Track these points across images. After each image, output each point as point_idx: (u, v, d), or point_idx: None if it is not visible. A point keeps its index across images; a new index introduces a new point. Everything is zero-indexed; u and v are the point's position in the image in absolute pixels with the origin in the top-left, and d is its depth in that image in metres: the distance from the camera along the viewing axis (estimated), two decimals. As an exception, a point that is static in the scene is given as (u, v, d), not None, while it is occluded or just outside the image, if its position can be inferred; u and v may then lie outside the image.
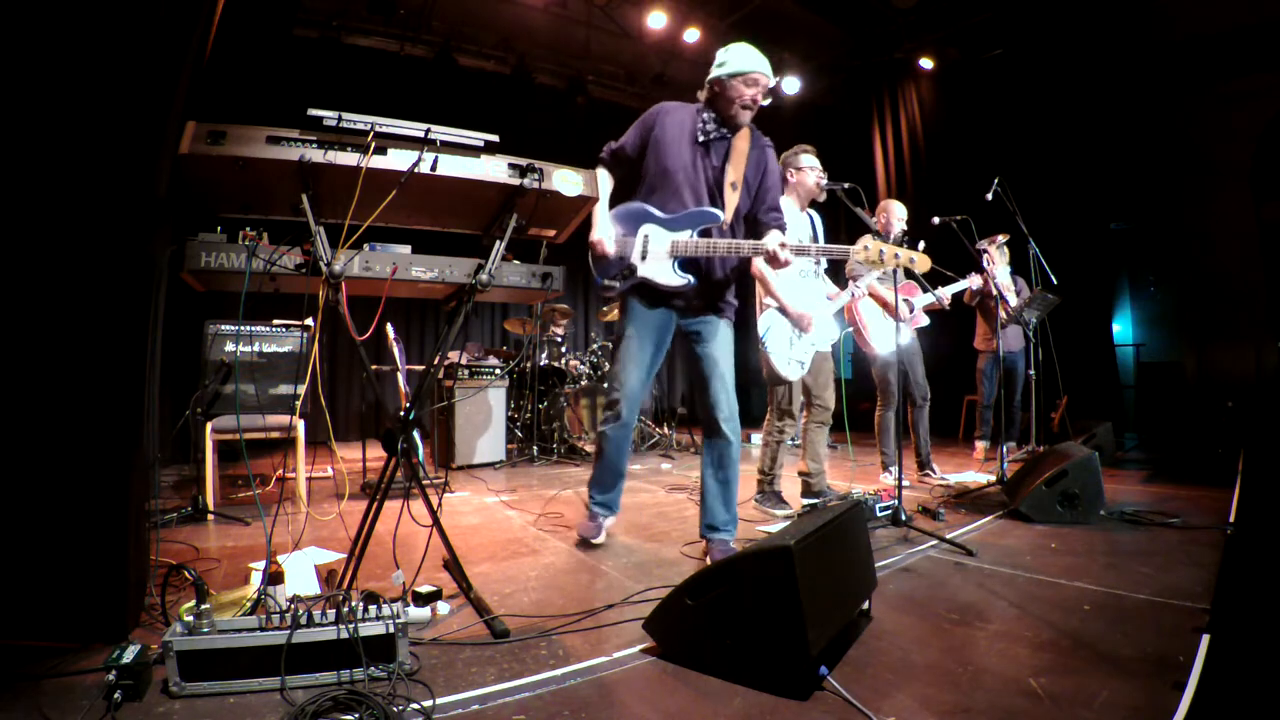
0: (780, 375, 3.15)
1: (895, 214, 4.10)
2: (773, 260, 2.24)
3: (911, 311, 4.08)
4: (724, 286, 2.48)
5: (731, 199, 2.36)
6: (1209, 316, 6.47)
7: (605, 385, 2.63)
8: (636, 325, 2.47)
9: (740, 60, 2.32)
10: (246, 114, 1.77)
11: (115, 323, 1.67)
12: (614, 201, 2.53)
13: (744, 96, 2.31)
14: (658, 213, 2.38)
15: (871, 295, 3.81)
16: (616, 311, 5.95)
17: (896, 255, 2.28)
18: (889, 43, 7.37)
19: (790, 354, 3.15)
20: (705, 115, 2.39)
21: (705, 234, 2.36)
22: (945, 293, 4.25)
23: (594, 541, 2.64)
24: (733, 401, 2.45)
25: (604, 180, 2.53)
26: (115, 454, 1.67)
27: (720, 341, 2.47)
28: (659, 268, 2.36)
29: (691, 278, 2.36)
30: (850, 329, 4.05)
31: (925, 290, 4.12)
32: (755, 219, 2.44)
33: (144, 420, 1.75)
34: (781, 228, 2.39)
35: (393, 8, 6.23)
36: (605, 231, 2.41)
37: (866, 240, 2.31)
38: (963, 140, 6.89)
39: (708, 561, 2.37)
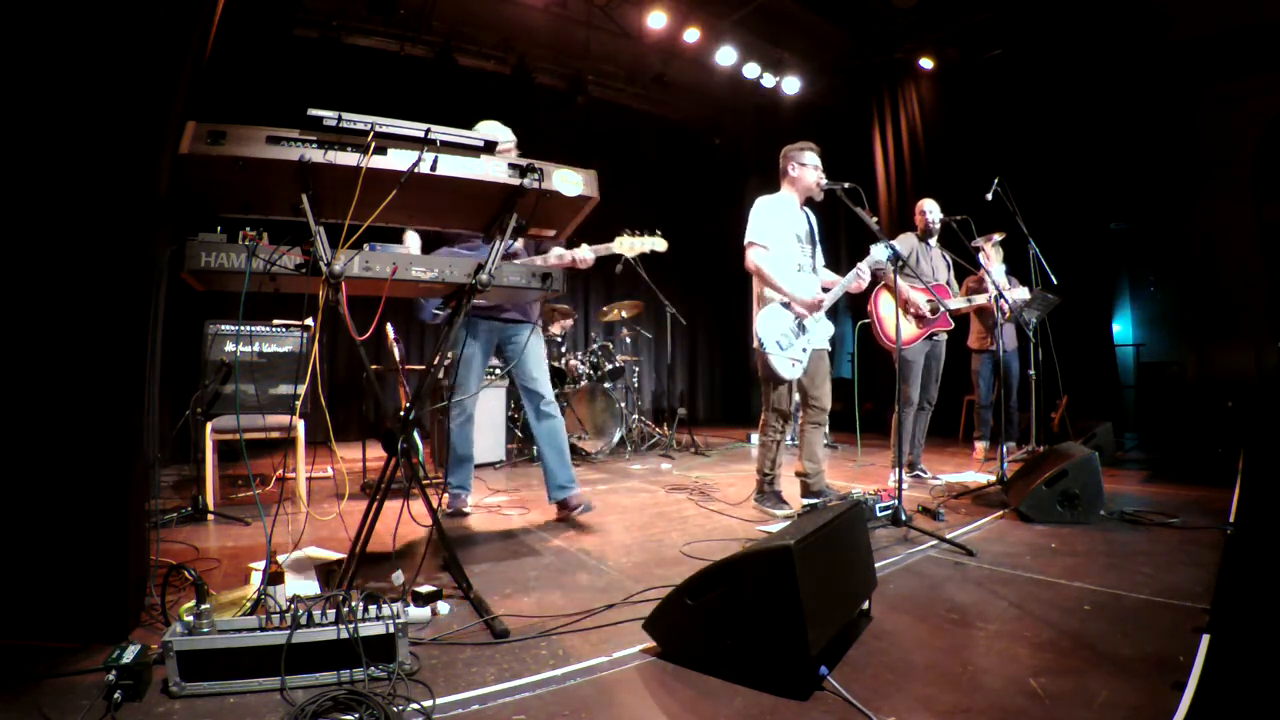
0: (778, 374, 3.14)
1: (927, 207, 4.28)
2: (576, 265, 3.00)
3: (935, 313, 4.08)
4: (528, 300, 3.06)
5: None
6: (1209, 316, 6.46)
7: (452, 390, 3.18)
8: (465, 340, 3.06)
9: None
10: (246, 114, 1.77)
11: (115, 323, 1.67)
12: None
13: None
14: (461, 250, 3.04)
15: (899, 297, 3.78)
16: (617, 312, 5.99)
17: (636, 244, 3.16)
18: (889, 43, 7.37)
19: (787, 352, 3.14)
20: None
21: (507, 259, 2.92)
22: (972, 301, 4.33)
23: (466, 511, 3.28)
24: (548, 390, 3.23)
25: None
26: (115, 454, 1.67)
27: (528, 341, 3.18)
28: None
29: None
30: (867, 321, 4.06)
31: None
32: (540, 245, 3.11)
33: (144, 420, 1.75)
34: (561, 245, 3.07)
35: (393, 8, 6.22)
36: None
37: (624, 236, 3.16)
38: (963, 140, 6.88)
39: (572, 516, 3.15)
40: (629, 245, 3.20)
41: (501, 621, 1.78)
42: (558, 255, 3.04)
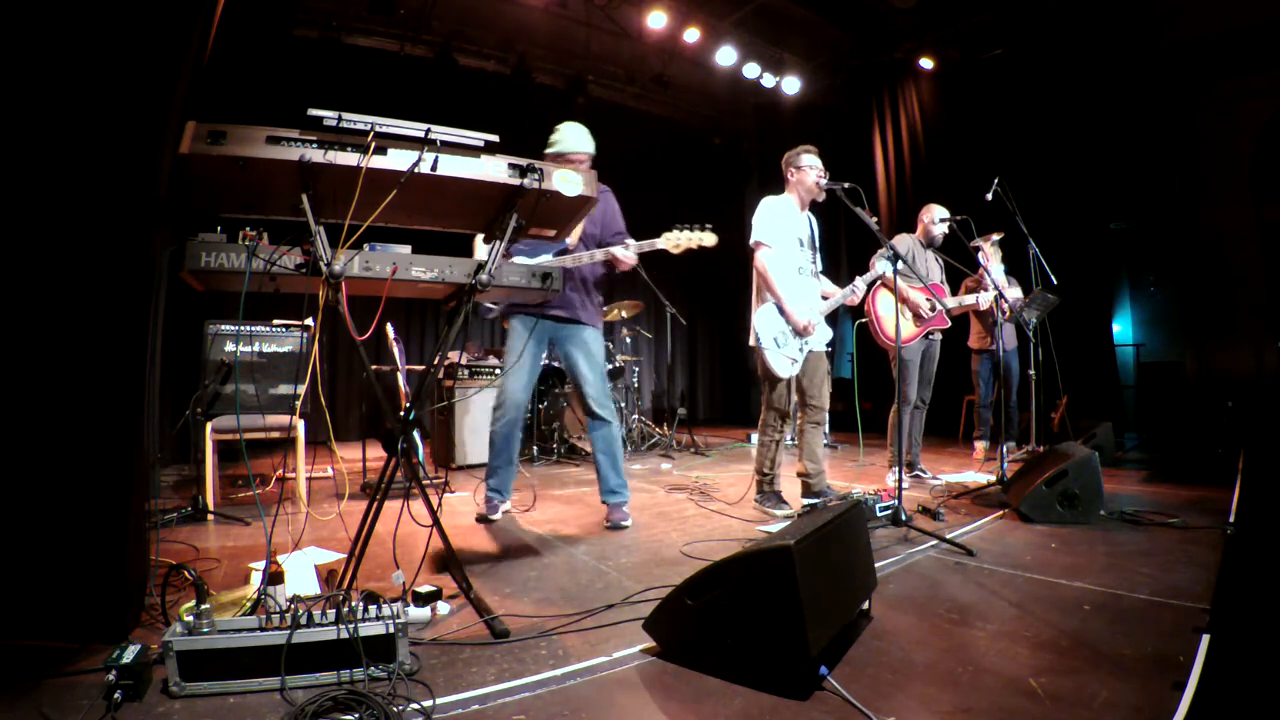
0: (774, 372, 3.17)
1: (936, 215, 4.23)
2: (617, 262, 2.91)
3: (933, 310, 4.07)
4: (585, 298, 3.09)
5: (577, 229, 2.97)
6: (1209, 316, 6.46)
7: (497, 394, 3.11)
8: (517, 339, 3.02)
9: (564, 144, 2.97)
10: (246, 114, 1.77)
11: (115, 323, 1.67)
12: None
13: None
14: (521, 245, 2.92)
15: (899, 295, 3.77)
16: (616, 312, 5.99)
17: (682, 239, 2.96)
18: (889, 43, 7.37)
19: (783, 350, 3.16)
20: None
21: (560, 255, 2.96)
22: (967, 301, 4.32)
23: (493, 518, 3.11)
24: (604, 389, 3.11)
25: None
26: (115, 454, 1.67)
27: (584, 342, 3.07)
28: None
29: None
30: (865, 320, 4.05)
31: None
32: (604, 243, 3.04)
33: (144, 420, 1.75)
34: (625, 245, 2.99)
35: (393, 8, 6.22)
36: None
37: (671, 231, 2.98)
38: (963, 140, 6.89)
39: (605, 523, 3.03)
40: (674, 240, 2.97)
41: (501, 621, 1.78)
42: (605, 252, 2.92)
